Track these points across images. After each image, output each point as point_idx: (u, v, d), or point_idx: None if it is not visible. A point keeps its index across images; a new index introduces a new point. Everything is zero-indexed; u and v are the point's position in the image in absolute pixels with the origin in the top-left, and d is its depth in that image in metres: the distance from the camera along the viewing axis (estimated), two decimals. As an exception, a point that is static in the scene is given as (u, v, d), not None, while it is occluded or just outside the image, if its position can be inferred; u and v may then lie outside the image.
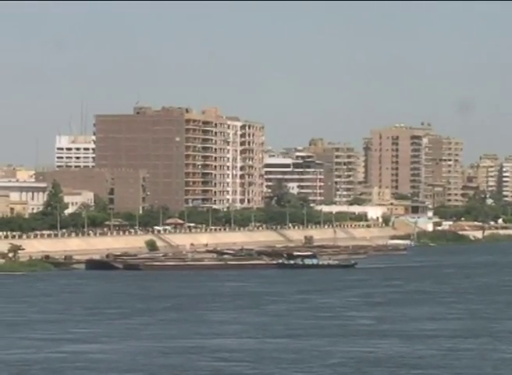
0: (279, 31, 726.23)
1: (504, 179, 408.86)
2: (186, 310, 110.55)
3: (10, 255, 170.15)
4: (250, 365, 73.91)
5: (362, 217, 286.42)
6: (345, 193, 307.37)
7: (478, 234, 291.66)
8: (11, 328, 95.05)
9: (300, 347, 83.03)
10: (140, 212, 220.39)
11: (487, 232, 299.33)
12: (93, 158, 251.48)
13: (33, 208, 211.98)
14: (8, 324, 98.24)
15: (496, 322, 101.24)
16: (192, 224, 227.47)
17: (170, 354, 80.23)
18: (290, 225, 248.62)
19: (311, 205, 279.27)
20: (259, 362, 75.32)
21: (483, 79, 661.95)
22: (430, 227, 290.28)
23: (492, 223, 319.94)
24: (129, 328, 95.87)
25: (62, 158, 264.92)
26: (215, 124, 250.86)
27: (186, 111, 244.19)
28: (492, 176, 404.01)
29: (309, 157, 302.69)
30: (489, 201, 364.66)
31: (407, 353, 79.92)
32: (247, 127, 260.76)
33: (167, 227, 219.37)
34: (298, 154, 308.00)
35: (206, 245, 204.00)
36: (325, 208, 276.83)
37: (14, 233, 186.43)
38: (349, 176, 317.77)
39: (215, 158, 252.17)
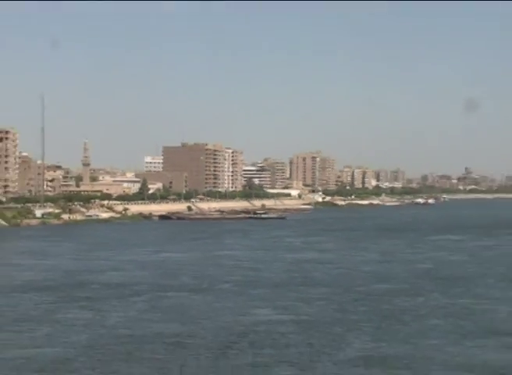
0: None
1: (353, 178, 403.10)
2: (213, 238, 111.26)
3: (123, 212, 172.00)
4: (249, 262, 76.48)
5: (289, 194, 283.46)
6: (280, 183, 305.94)
7: (343, 203, 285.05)
8: (131, 247, 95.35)
9: (270, 255, 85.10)
10: (184, 192, 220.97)
11: (347, 202, 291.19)
12: (162, 167, 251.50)
13: (134, 191, 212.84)
14: (129, 245, 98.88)
15: (358, 242, 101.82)
16: (208, 198, 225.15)
17: (212, 258, 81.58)
18: (255, 198, 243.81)
19: (265, 189, 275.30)
20: (253, 261, 77.95)
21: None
22: (320, 199, 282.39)
23: (349, 197, 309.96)
24: (189, 247, 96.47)
25: (148, 166, 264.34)
26: (219, 151, 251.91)
27: (206, 145, 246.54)
28: (349, 175, 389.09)
29: (263, 166, 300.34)
30: (348, 187, 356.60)
31: (320, 257, 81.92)
32: (234, 152, 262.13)
33: (197, 199, 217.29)
34: (259, 165, 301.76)
35: (215, 208, 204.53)
36: (272, 191, 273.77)
37: (123, 201, 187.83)
38: (283, 175, 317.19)
39: (219, 168, 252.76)
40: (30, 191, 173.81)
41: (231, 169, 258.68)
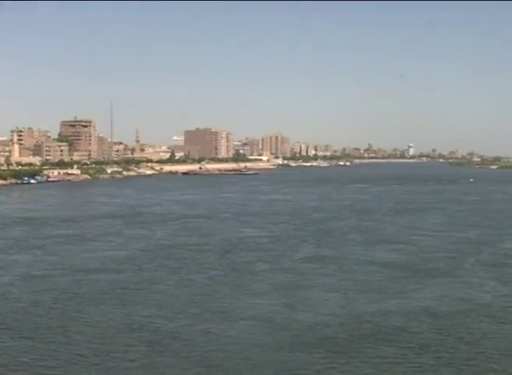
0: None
1: (300, 149, 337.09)
2: (215, 186, 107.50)
3: (160, 170, 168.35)
4: (238, 201, 74.74)
5: (261, 159, 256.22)
6: (256, 152, 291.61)
7: (295, 165, 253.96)
8: (166, 191, 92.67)
9: (251, 196, 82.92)
10: (197, 158, 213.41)
11: (297, 164, 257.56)
12: (183, 142, 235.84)
13: (166, 157, 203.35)
14: (165, 190, 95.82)
15: (304, 188, 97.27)
16: (212, 162, 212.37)
17: (215, 197, 79.68)
18: (240, 162, 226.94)
19: (246, 156, 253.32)
20: (241, 200, 75.84)
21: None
22: (280, 162, 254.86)
23: (298, 161, 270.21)
24: (201, 191, 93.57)
25: (175, 142, 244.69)
26: (219, 133, 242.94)
27: (210, 129, 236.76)
28: (298, 147, 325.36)
29: (245, 142, 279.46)
30: (298, 155, 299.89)
31: (282, 197, 79.42)
32: (228, 134, 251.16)
33: (205, 162, 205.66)
34: (243, 141, 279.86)
35: (216, 168, 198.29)
36: (250, 157, 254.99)
37: (160, 163, 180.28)
38: (257, 147, 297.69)
39: (219, 143, 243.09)
40: (103, 157, 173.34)
41: (226, 144, 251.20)
